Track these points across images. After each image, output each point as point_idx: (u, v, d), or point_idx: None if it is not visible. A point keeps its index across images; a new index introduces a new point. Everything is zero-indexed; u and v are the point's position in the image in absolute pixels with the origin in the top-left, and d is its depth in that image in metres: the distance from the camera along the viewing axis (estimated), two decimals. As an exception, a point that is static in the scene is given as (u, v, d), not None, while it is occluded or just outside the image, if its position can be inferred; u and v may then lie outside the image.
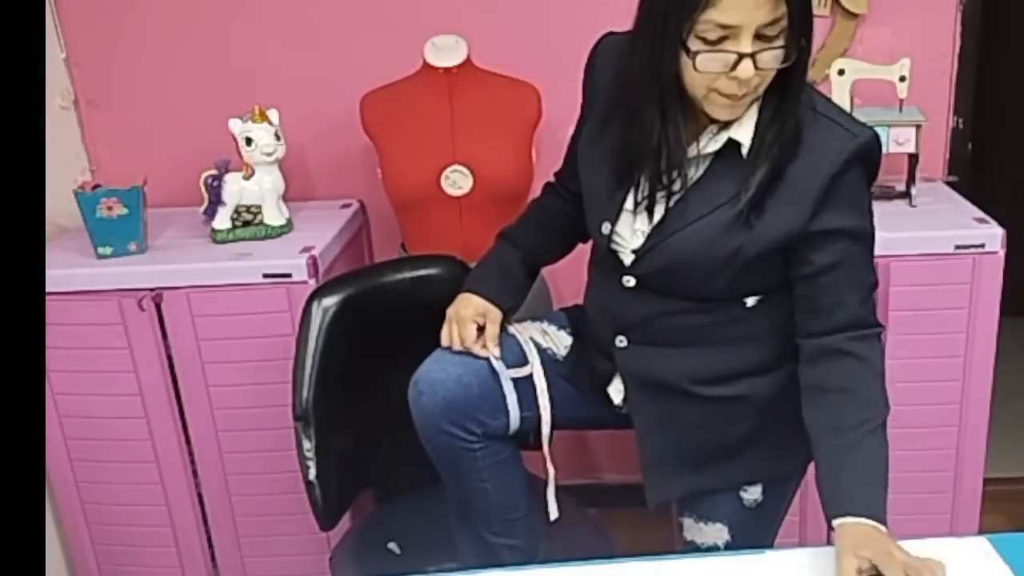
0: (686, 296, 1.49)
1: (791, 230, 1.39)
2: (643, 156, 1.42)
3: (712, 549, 1.63)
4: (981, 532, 1.46)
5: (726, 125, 1.40)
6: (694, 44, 1.30)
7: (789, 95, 1.37)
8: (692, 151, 1.42)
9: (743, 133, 1.39)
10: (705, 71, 1.31)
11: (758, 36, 1.29)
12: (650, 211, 1.46)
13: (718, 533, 1.62)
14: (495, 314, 1.65)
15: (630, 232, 1.49)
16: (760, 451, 1.58)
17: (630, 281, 1.51)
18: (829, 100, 1.47)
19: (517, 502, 1.68)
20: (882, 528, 1.29)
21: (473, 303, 1.65)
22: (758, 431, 1.55)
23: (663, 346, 1.53)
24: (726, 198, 1.40)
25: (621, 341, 1.57)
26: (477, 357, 1.61)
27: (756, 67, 1.30)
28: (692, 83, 1.35)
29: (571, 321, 1.73)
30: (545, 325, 1.72)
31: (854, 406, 1.40)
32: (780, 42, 1.31)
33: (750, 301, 1.50)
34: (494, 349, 1.61)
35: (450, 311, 1.66)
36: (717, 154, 1.42)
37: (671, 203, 1.45)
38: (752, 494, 1.60)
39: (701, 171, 1.44)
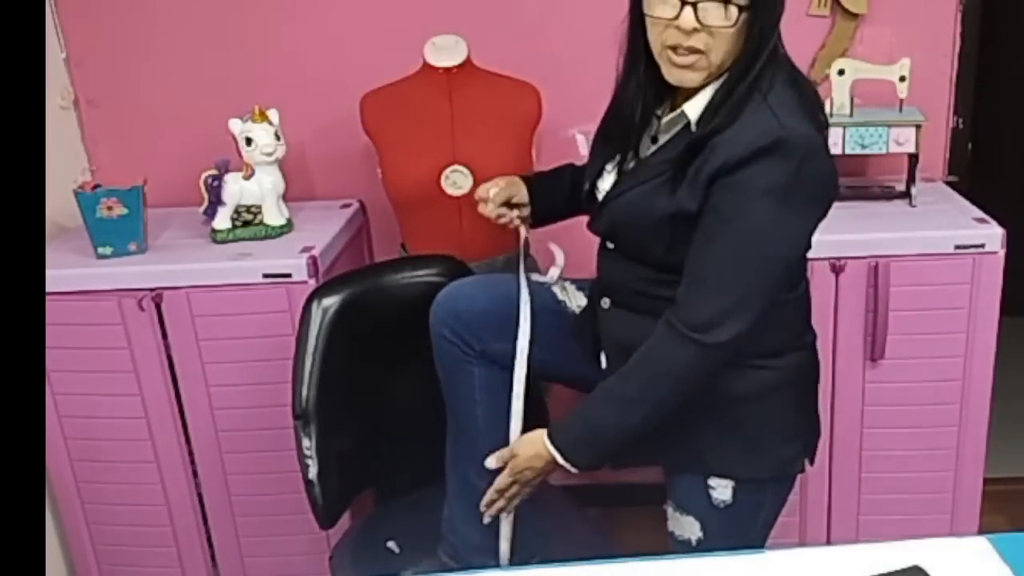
0: (643, 261, 1.56)
1: (687, 205, 1.46)
2: (619, 119, 1.57)
3: (686, 543, 1.64)
4: (981, 532, 1.46)
5: (687, 100, 1.50)
6: None
7: (745, 81, 1.44)
8: (662, 120, 1.55)
9: (693, 108, 1.48)
10: (652, 15, 1.44)
11: None
12: (620, 174, 1.58)
13: (691, 528, 1.63)
14: (522, 195, 1.81)
15: (601, 192, 1.61)
16: (728, 446, 1.59)
17: (609, 244, 1.62)
18: (795, 97, 1.46)
19: (503, 441, 1.70)
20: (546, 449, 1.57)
21: (516, 183, 1.82)
22: (724, 423, 1.57)
23: (636, 313, 1.58)
24: (668, 167, 1.49)
25: (605, 303, 1.65)
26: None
27: (698, 19, 1.40)
28: (651, 38, 1.47)
29: (589, 288, 1.78)
30: (566, 283, 1.80)
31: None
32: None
33: None
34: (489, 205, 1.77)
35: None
36: (682, 129, 1.51)
37: (630, 167, 1.57)
38: (721, 493, 1.59)
39: (664, 141, 1.54)
